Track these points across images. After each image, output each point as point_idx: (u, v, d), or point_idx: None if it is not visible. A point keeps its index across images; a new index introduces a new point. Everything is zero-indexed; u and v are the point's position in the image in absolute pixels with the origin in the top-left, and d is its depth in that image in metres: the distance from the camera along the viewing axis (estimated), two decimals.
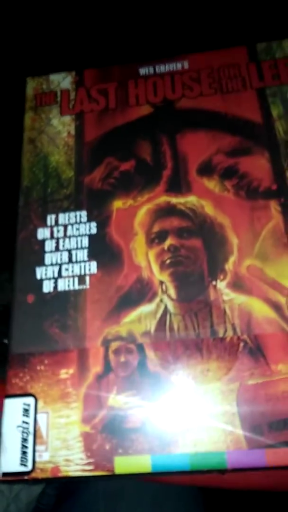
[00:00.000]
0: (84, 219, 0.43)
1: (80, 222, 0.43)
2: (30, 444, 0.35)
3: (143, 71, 0.49)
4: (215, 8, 0.50)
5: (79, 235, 0.42)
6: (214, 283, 0.39)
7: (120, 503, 0.50)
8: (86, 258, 0.41)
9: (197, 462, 0.33)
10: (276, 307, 0.37)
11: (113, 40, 0.51)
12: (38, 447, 0.35)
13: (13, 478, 0.35)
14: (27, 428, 0.36)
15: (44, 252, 0.42)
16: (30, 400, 0.37)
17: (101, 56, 0.50)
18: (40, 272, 0.41)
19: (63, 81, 0.50)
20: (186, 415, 0.35)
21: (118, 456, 0.34)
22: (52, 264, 0.41)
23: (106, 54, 0.50)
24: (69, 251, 0.42)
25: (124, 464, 0.34)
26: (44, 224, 0.43)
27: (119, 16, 0.51)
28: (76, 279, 0.41)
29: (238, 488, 0.42)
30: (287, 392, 0.34)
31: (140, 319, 0.38)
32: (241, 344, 0.36)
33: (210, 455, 0.33)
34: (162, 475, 0.34)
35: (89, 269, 0.41)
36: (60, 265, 0.41)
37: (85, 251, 0.42)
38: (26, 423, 0.36)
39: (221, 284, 0.39)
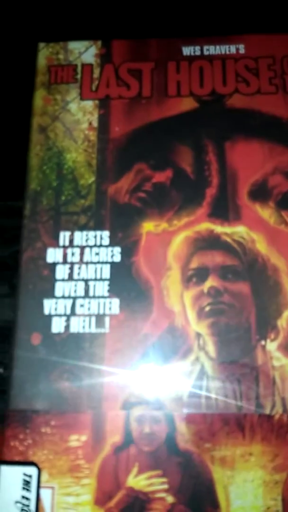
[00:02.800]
0: (106, 241, 0.35)
1: (101, 245, 0.35)
2: None
3: (187, 50, 0.40)
4: None
5: (98, 262, 0.34)
6: (263, 342, 0.32)
7: None
8: (106, 294, 0.34)
9: None
10: None
11: (152, 6, 0.41)
12: None
13: None
14: (28, 506, 0.30)
15: (54, 280, 0.34)
16: (32, 471, 0.30)
17: (136, 24, 0.40)
18: (49, 306, 0.34)
19: (85, 52, 0.40)
20: (221, 507, 0.29)
21: None
22: (64, 297, 0.34)
23: (143, 23, 0.40)
24: (86, 281, 0.34)
25: None
26: (55, 243, 0.35)
27: None
28: (94, 319, 0.33)
29: None
30: None
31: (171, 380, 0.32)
32: None
33: None
34: None
35: (110, 308, 0.33)
36: (74, 299, 0.34)
37: (106, 284, 0.34)
38: (27, 498, 0.30)
39: (272, 345, 0.32)
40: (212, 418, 0.31)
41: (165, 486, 0.30)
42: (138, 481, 0.30)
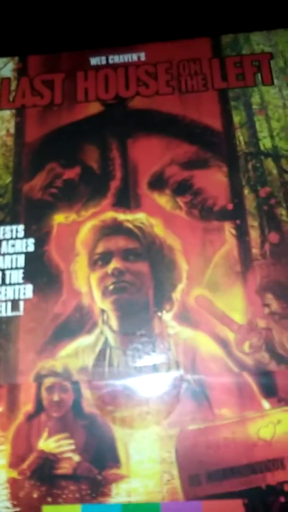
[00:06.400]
0: (21, 234, 0.39)
1: (17, 237, 0.38)
2: None
3: (94, 61, 0.44)
4: None
5: (14, 253, 0.38)
6: (159, 314, 0.36)
7: None
8: (21, 280, 0.37)
9: None
10: (224, 344, 0.35)
11: (62, 23, 0.45)
12: None
13: None
14: None
15: None
16: None
17: (48, 40, 0.44)
18: None
19: (4, 67, 0.44)
20: (121, 462, 0.32)
21: (46, 505, 0.32)
22: None
23: (54, 39, 0.44)
24: (3, 271, 0.38)
25: None
26: None
27: None
28: (9, 304, 0.37)
29: None
30: (228, 439, 0.32)
31: (78, 353, 0.35)
32: (184, 385, 0.34)
33: (144, 507, 0.31)
34: None
35: (24, 293, 0.37)
36: None
37: (20, 272, 0.37)
38: None
39: (167, 316, 0.36)
40: (114, 383, 0.34)
41: (72, 447, 0.33)
42: (47, 444, 0.33)
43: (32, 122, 0.42)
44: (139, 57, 0.44)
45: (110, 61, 0.44)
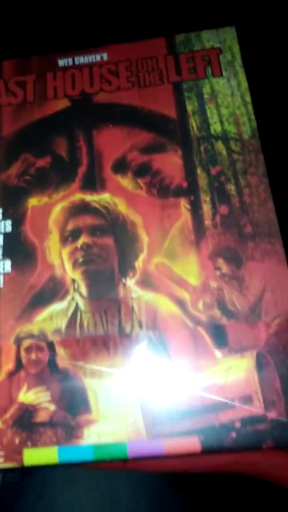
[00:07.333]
0: (0, 217, 0.43)
1: None
2: None
3: (62, 62, 0.49)
4: None
5: None
6: (124, 280, 0.40)
7: (77, 474, 0.53)
8: (0, 257, 0.42)
9: (100, 453, 0.36)
10: (180, 303, 0.39)
11: (33, 29, 0.50)
12: None
13: None
14: None
15: None
16: None
17: (21, 46, 0.49)
18: None
19: None
20: (92, 409, 0.37)
21: (27, 448, 0.36)
22: None
23: (26, 44, 0.49)
24: None
25: (32, 456, 0.36)
26: None
27: (40, 5, 0.50)
28: None
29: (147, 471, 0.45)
30: (185, 384, 0.37)
31: (52, 317, 0.40)
32: (146, 340, 0.38)
33: (112, 446, 0.36)
34: (68, 465, 0.36)
35: (3, 268, 0.41)
36: None
37: (0, 249, 0.42)
38: None
39: (131, 282, 0.40)
40: (84, 342, 0.39)
41: (48, 398, 0.37)
42: (27, 396, 0.37)
43: (7, 119, 0.47)
44: (102, 57, 0.49)
45: (76, 62, 0.49)
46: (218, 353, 0.38)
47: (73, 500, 0.53)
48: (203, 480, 0.71)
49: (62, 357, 0.38)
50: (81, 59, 0.49)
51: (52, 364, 0.38)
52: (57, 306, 0.40)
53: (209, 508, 0.68)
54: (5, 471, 0.60)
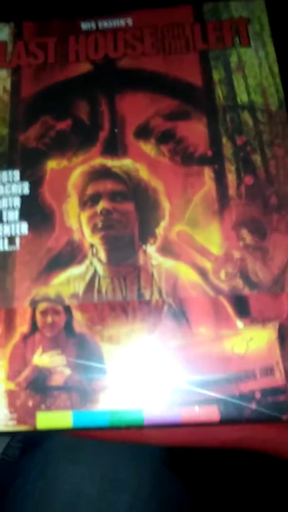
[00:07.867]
0: (17, 178, 0.42)
1: (13, 181, 0.42)
2: None
3: (85, 26, 0.47)
4: None
5: (10, 195, 0.41)
6: (144, 247, 0.39)
7: (79, 453, 0.52)
8: (17, 219, 0.41)
9: (116, 419, 0.35)
10: (202, 272, 0.38)
11: None
12: None
13: None
14: None
15: None
16: None
17: (41, 8, 0.48)
18: None
19: (1, 32, 0.48)
20: (108, 374, 0.36)
21: (40, 411, 0.35)
22: None
23: (48, 7, 0.48)
24: (0, 211, 0.41)
25: (45, 419, 0.35)
26: None
27: None
28: (6, 240, 0.40)
29: (161, 443, 0.44)
30: (205, 353, 0.36)
31: (69, 281, 0.38)
32: (165, 307, 0.37)
33: (129, 413, 0.35)
34: (82, 430, 0.35)
35: (20, 230, 0.40)
36: None
37: (17, 211, 0.41)
38: None
39: (151, 249, 0.39)
40: (102, 307, 0.37)
41: (64, 362, 0.36)
42: (42, 359, 0.36)
43: (27, 80, 0.46)
44: (126, 23, 0.47)
45: (100, 26, 0.47)
46: (239, 323, 0.37)
47: (75, 479, 0.52)
48: (204, 464, 0.70)
49: (79, 322, 0.37)
50: (105, 24, 0.47)
51: (68, 328, 0.37)
52: (75, 271, 0.39)
53: (208, 491, 0.68)
54: (5, 449, 0.59)
